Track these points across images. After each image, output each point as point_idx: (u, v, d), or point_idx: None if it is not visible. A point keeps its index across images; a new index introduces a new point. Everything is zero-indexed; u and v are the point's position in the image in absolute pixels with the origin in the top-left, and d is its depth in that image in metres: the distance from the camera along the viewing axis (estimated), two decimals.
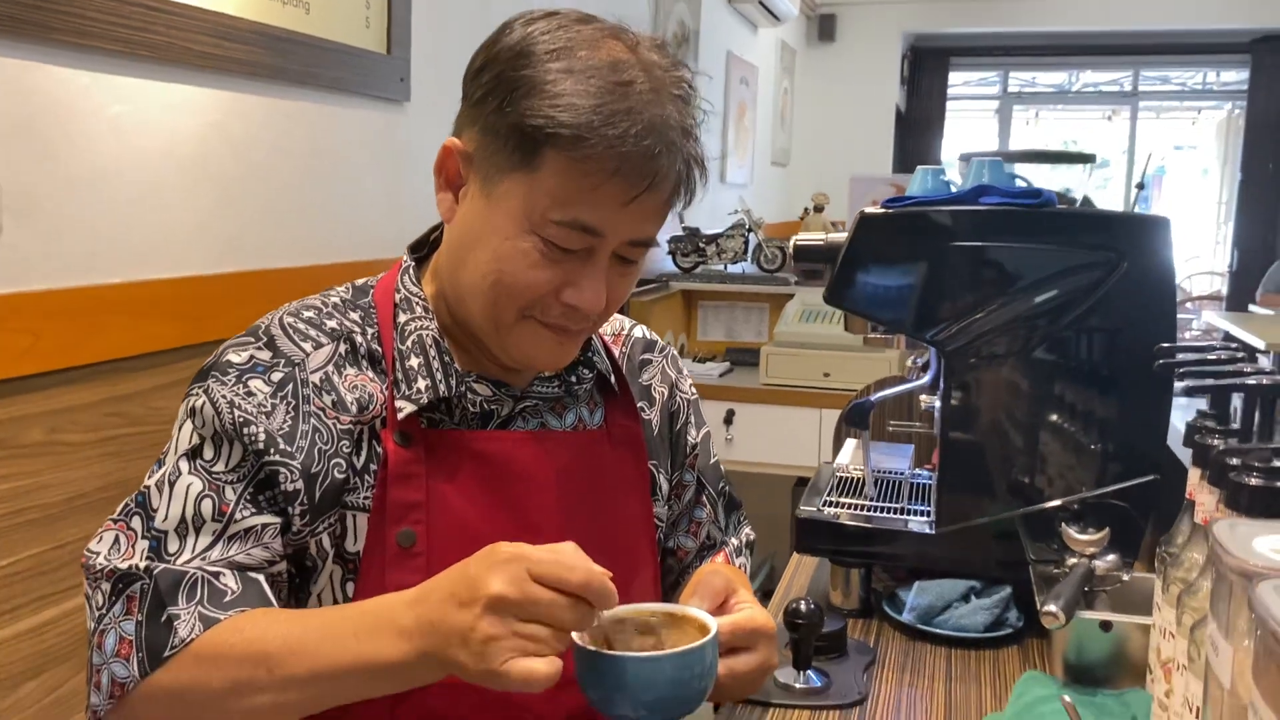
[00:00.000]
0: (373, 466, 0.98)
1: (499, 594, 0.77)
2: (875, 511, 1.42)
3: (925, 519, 1.40)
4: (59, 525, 1.47)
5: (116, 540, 0.94)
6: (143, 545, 0.93)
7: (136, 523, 0.94)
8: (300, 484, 0.95)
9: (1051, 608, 1.12)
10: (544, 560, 0.78)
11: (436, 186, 1.02)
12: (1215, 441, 0.99)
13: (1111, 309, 1.28)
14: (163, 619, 0.88)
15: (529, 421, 1.06)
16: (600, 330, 1.15)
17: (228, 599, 0.90)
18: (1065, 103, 8.91)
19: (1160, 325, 1.27)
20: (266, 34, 1.79)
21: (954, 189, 1.47)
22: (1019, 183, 1.51)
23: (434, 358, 1.01)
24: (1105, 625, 1.18)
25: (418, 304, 1.03)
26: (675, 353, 1.26)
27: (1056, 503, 1.29)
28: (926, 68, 7.75)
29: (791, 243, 1.37)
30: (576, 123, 0.89)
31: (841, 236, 1.35)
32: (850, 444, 1.69)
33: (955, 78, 8.03)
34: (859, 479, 1.53)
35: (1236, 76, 8.13)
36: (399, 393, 0.99)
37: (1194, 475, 1.07)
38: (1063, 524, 1.26)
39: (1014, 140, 8.54)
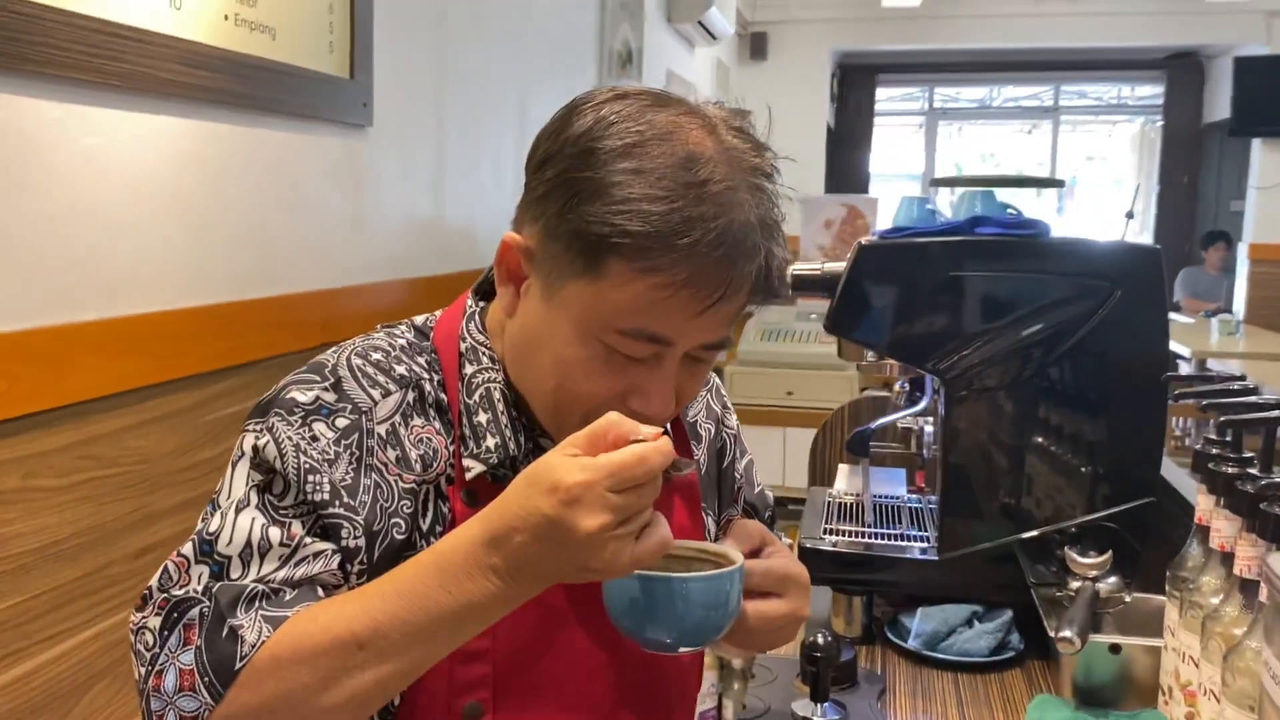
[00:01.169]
0: (439, 528, 0.93)
1: (595, 528, 0.74)
2: (876, 539, 1.42)
3: (926, 545, 1.41)
4: (32, 576, 1.41)
5: (167, 572, 0.88)
6: (200, 570, 0.87)
7: (193, 551, 0.88)
8: (362, 541, 0.90)
9: (1067, 633, 1.14)
10: (614, 471, 0.74)
11: (497, 279, 0.97)
12: (1231, 470, 1.01)
13: (1105, 336, 1.30)
14: (225, 633, 0.82)
15: None
16: None
17: (287, 598, 0.85)
18: (990, 117, 9.12)
19: (1153, 352, 1.30)
20: (234, 60, 1.75)
21: (938, 217, 1.49)
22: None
23: (502, 413, 0.96)
24: (1114, 648, 1.20)
25: (484, 354, 0.98)
26: (719, 384, 1.20)
27: (1062, 525, 1.31)
28: (855, 84, 7.88)
29: (790, 273, 1.38)
30: (644, 231, 0.83)
31: (839, 266, 1.36)
32: (843, 469, 1.70)
33: (881, 94, 8.18)
34: (853, 504, 1.54)
35: (1150, 91, 8.40)
36: (466, 450, 0.94)
37: (1205, 501, 1.10)
38: (1065, 547, 1.28)
39: (939, 155, 8.72)
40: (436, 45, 2.58)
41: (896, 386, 1.57)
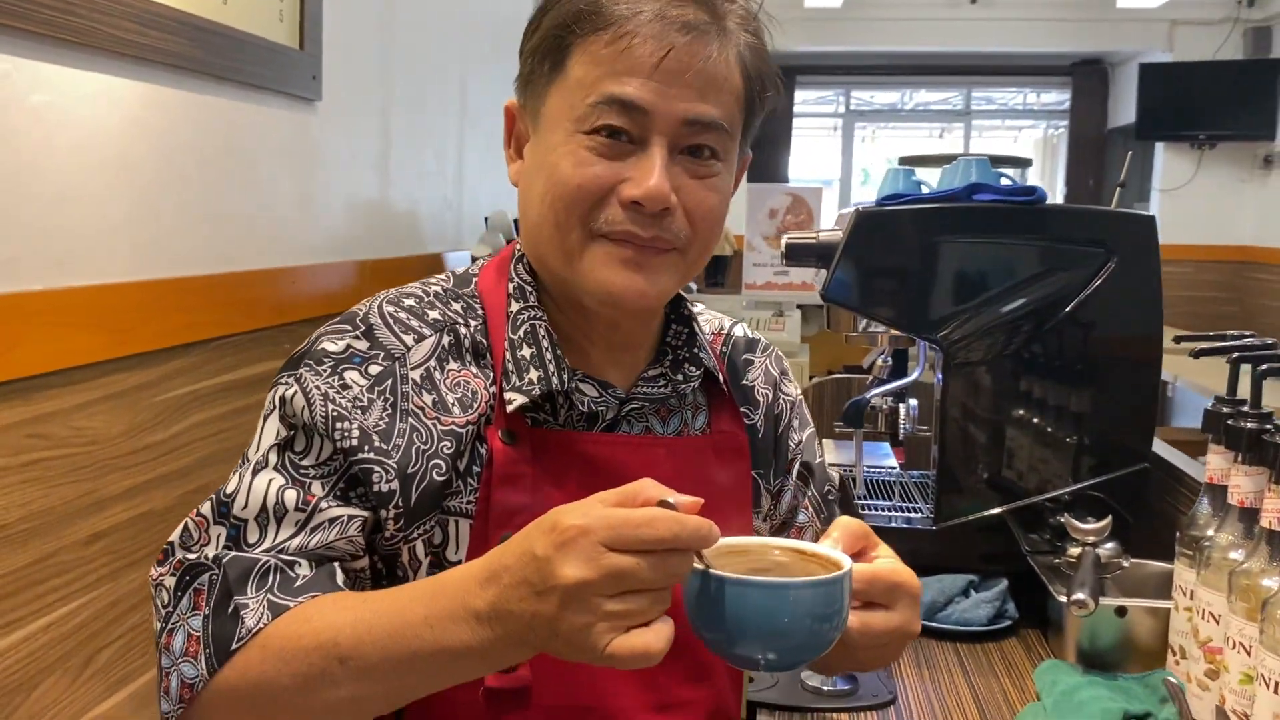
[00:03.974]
0: (476, 469, 0.91)
1: (575, 581, 0.67)
2: (870, 510, 1.41)
3: (921, 516, 1.40)
4: None
5: (187, 529, 0.88)
6: (218, 531, 0.87)
7: (212, 511, 0.88)
8: (396, 484, 0.88)
9: (1081, 595, 1.14)
10: (615, 524, 0.68)
11: (506, 155, 0.98)
12: (1252, 425, 1.02)
13: (1101, 304, 1.31)
14: (230, 610, 0.82)
15: (634, 426, 0.99)
16: (701, 328, 1.07)
17: (298, 584, 0.83)
18: (904, 120, 9.28)
19: (1148, 319, 1.31)
20: (187, 22, 1.66)
21: (924, 189, 1.49)
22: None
23: (547, 349, 0.94)
24: (1121, 611, 1.20)
25: (530, 293, 0.97)
26: (779, 352, 1.17)
27: (1057, 493, 1.31)
28: None
29: (784, 241, 1.35)
30: (592, 8, 0.87)
31: (835, 234, 1.34)
32: (829, 444, 1.69)
33: (799, 96, 8.26)
34: (841, 478, 1.52)
35: (1056, 97, 8.65)
36: (509, 384, 0.92)
37: (1219, 460, 1.10)
38: (1065, 514, 1.28)
39: (856, 156, 8.84)
40: (383, 24, 2.51)
41: (879, 360, 1.56)
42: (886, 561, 0.85)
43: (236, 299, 1.90)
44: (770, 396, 1.12)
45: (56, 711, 1.43)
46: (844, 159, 8.73)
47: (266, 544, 0.85)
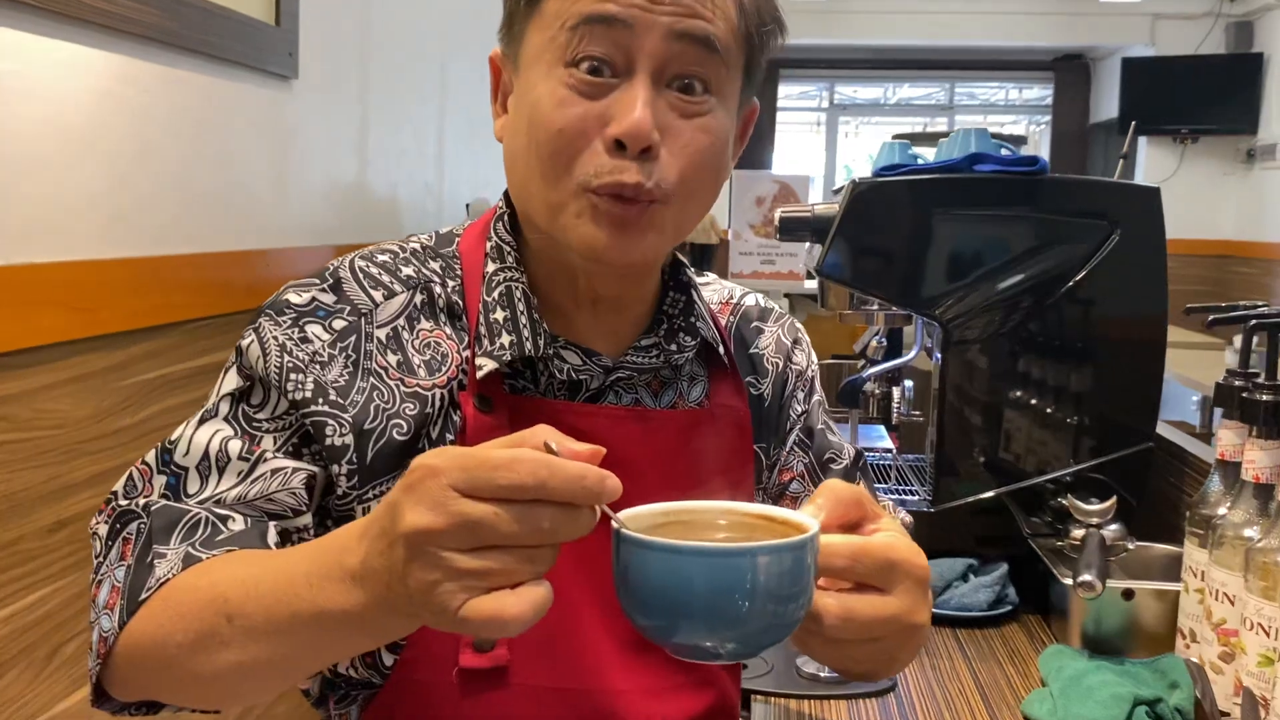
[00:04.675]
0: (449, 436, 0.86)
1: (416, 528, 0.57)
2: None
3: (918, 499, 1.36)
4: None
5: (131, 479, 0.85)
6: (160, 481, 0.83)
7: (155, 460, 0.85)
8: (350, 439, 0.83)
9: (1088, 577, 1.09)
10: (469, 465, 0.57)
11: (494, 115, 0.92)
12: (1268, 397, 0.98)
13: (1104, 279, 1.27)
14: (148, 559, 0.76)
15: (622, 397, 0.93)
16: (707, 300, 1.01)
17: (221, 537, 0.77)
18: (888, 115, 9.27)
19: (1152, 294, 1.27)
20: None
21: (920, 162, 1.44)
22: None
23: (522, 312, 0.88)
24: (1128, 594, 1.16)
25: (509, 253, 0.91)
26: (795, 321, 1.10)
27: (1060, 474, 1.27)
28: None
29: (777, 215, 1.31)
30: None
31: (831, 207, 1.29)
32: None
33: (782, 90, 8.23)
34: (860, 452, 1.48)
35: (1039, 92, 8.66)
36: (480, 349, 0.87)
37: (1231, 435, 1.06)
38: (1068, 495, 1.25)
39: (839, 152, 8.82)
40: (362, 1, 2.46)
41: (874, 341, 1.52)
42: (886, 536, 0.70)
43: (208, 281, 1.84)
44: (780, 365, 1.06)
45: (20, 706, 1.37)
46: (828, 154, 8.71)
47: (206, 494, 0.82)
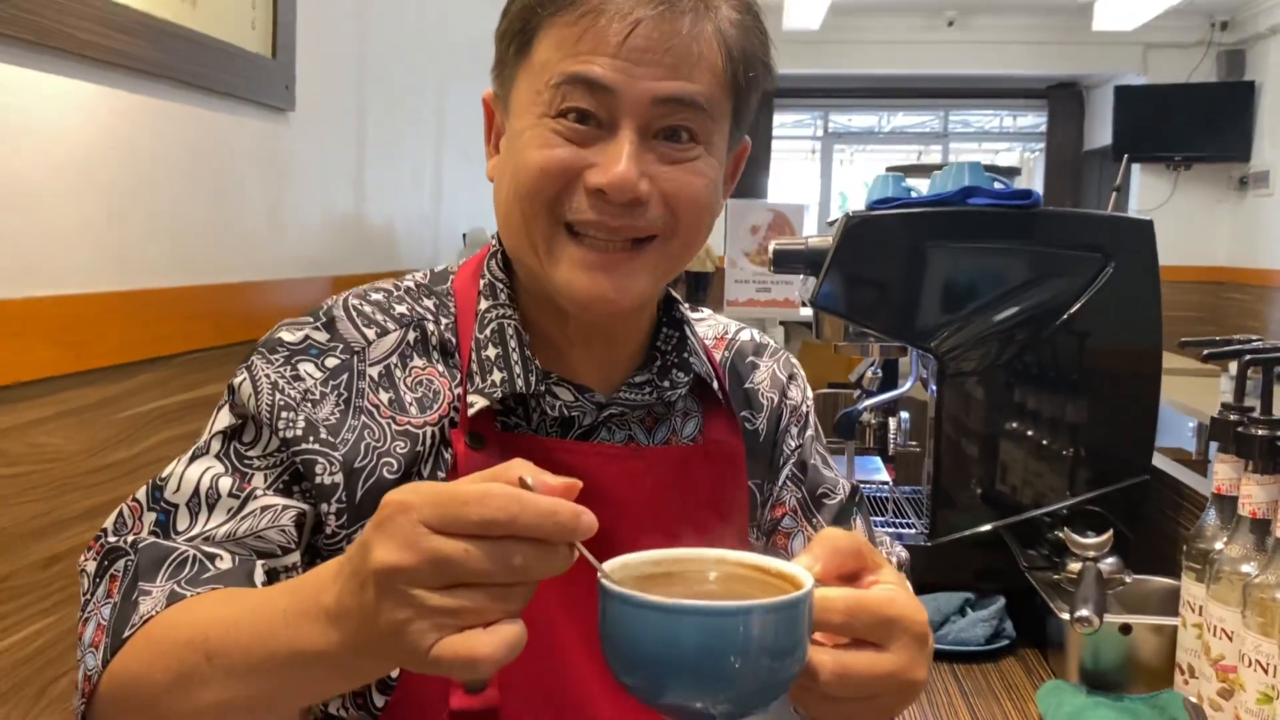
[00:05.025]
0: (440, 474, 0.86)
1: (386, 565, 0.56)
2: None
3: (915, 532, 1.36)
4: None
5: (122, 515, 0.85)
6: (150, 517, 0.83)
7: (146, 496, 0.85)
8: (340, 478, 0.83)
9: (1084, 612, 1.09)
10: (440, 500, 0.56)
11: (487, 155, 0.92)
12: (1263, 432, 0.98)
13: (1099, 311, 1.27)
14: (134, 597, 0.76)
15: (615, 434, 0.92)
16: (701, 335, 1.02)
17: (207, 575, 0.76)
18: (882, 142, 9.31)
19: (1147, 326, 1.27)
20: (153, 26, 1.61)
21: (914, 195, 1.45)
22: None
23: (514, 349, 0.89)
24: (1125, 629, 1.16)
25: (502, 290, 0.91)
26: (790, 356, 1.10)
27: (1056, 507, 1.26)
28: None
29: (771, 248, 1.31)
30: None
31: (824, 240, 1.30)
32: None
33: (777, 119, 8.27)
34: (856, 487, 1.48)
35: (1033, 120, 8.70)
36: (472, 386, 0.87)
37: (1227, 469, 1.06)
38: (1065, 528, 1.24)
39: (834, 179, 8.86)
40: (358, 35, 2.47)
41: (869, 372, 1.52)
42: (885, 589, 0.68)
43: (203, 313, 1.84)
44: (775, 400, 1.05)
45: None
46: (823, 181, 8.74)
47: (195, 530, 0.81)
